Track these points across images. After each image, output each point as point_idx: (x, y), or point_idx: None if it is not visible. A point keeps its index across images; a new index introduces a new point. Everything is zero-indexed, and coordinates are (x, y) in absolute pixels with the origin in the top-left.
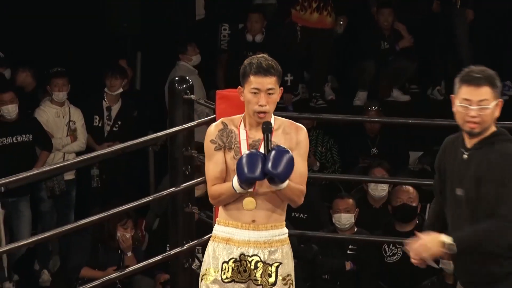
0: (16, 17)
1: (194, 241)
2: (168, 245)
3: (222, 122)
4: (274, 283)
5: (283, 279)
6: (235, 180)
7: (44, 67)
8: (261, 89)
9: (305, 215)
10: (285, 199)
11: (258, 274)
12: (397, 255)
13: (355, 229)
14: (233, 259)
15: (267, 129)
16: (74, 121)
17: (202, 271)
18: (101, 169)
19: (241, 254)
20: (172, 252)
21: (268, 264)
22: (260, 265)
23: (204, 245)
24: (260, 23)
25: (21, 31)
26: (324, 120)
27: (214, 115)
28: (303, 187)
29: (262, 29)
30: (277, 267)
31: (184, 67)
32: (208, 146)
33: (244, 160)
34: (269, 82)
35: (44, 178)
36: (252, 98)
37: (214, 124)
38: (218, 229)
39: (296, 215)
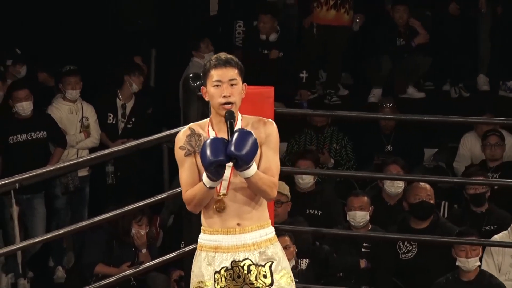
0: (31, 15)
1: None
2: (182, 242)
3: (189, 128)
4: (271, 283)
5: (280, 276)
6: (204, 175)
7: (58, 64)
8: (223, 81)
9: (320, 212)
10: (256, 191)
11: (252, 278)
12: (412, 252)
13: (370, 226)
14: (224, 268)
15: (230, 116)
16: (87, 117)
17: (194, 284)
18: (116, 166)
19: (232, 261)
20: (186, 249)
21: (261, 265)
22: (253, 268)
23: None
24: (269, 24)
25: (36, 29)
26: (338, 117)
27: None
28: (274, 179)
29: (277, 27)
30: (270, 266)
31: (197, 63)
32: (178, 153)
33: (206, 145)
34: (231, 73)
35: (58, 175)
36: (216, 91)
37: (181, 131)
38: (205, 238)
39: (311, 212)
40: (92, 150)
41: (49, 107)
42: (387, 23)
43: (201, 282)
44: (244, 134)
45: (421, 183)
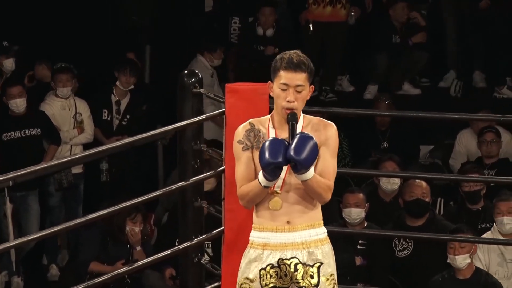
0: (26, 10)
1: (203, 236)
2: (177, 239)
3: (250, 123)
4: (317, 284)
5: (326, 279)
6: (260, 173)
7: (53, 60)
8: (290, 85)
9: None
10: (311, 193)
11: (299, 277)
12: (408, 250)
13: (365, 223)
14: (270, 265)
15: (292, 118)
16: (80, 113)
17: (240, 279)
18: (110, 163)
19: (279, 259)
20: (181, 246)
21: (309, 265)
22: (300, 267)
23: (213, 240)
24: (273, 17)
25: (29, 24)
26: (334, 114)
27: (223, 109)
28: (330, 182)
29: (273, 23)
30: (318, 268)
31: (201, 63)
32: (235, 147)
33: (266, 145)
34: (299, 78)
35: (52, 172)
36: (281, 94)
37: (241, 125)
38: (254, 235)
39: None
40: (86, 147)
41: (41, 104)
42: (383, 19)
43: (247, 278)
44: (305, 139)
45: (417, 181)
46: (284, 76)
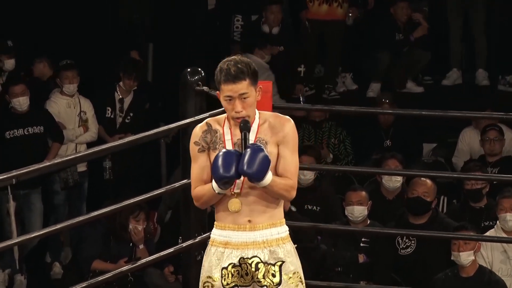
0: (29, 8)
1: (206, 234)
2: (180, 237)
3: (207, 123)
4: (279, 283)
5: (289, 277)
6: (213, 182)
7: (55, 58)
8: (233, 96)
9: (318, 208)
10: (273, 195)
11: (260, 275)
12: (411, 248)
13: (368, 221)
14: (231, 264)
15: (244, 127)
16: (85, 111)
17: (203, 278)
18: (113, 161)
19: (240, 258)
20: (184, 244)
21: (271, 264)
22: (261, 266)
23: None
24: (280, 14)
25: (32, 21)
26: (336, 112)
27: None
28: (292, 181)
29: (280, 22)
30: (280, 266)
31: (256, 61)
32: (192, 148)
33: (219, 159)
34: (240, 87)
35: (55, 170)
36: (228, 105)
37: (199, 125)
38: (216, 233)
39: (309, 207)
40: (90, 145)
41: (47, 102)
42: (385, 17)
43: (209, 277)
44: (255, 151)
45: (421, 179)
46: (225, 89)
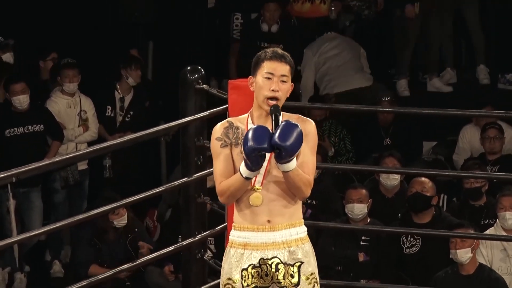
0: (27, 6)
1: (207, 232)
2: (180, 236)
3: (227, 121)
4: (298, 283)
5: (307, 278)
6: (242, 165)
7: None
8: (275, 74)
9: (316, 202)
10: (292, 187)
11: (280, 276)
12: (416, 247)
13: (368, 219)
14: (251, 265)
15: (275, 110)
16: (85, 110)
17: (223, 280)
18: (113, 160)
19: (260, 259)
20: (184, 242)
21: (290, 264)
22: (281, 266)
23: (216, 236)
24: (278, 12)
25: (32, 21)
26: (336, 111)
27: (226, 105)
28: (310, 178)
29: (278, 19)
30: (299, 267)
31: None
32: (214, 144)
33: (250, 132)
34: (283, 69)
35: (55, 168)
36: (265, 83)
37: (219, 123)
38: (235, 234)
39: (308, 201)
40: (90, 143)
41: (47, 101)
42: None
43: (230, 279)
44: (290, 126)
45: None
46: (268, 66)
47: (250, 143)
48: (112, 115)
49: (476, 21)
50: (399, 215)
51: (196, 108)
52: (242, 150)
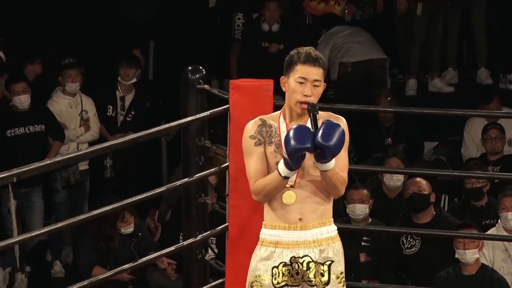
0: (28, 6)
1: (208, 232)
2: (181, 236)
3: (260, 119)
4: (328, 282)
5: (337, 277)
6: (281, 164)
7: (56, 56)
8: (308, 79)
9: None
10: (328, 186)
11: (311, 275)
12: (416, 247)
13: (369, 220)
14: (282, 263)
15: (313, 109)
16: (87, 110)
17: (251, 277)
18: (114, 160)
19: (291, 257)
20: (185, 243)
21: (320, 263)
22: (312, 265)
23: (217, 236)
24: (278, 12)
25: (33, 20)
26: (336, 110)
27: (227, 105)
28: (345, 175)
29: (278, 19)
30: (329, 266)
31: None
32: (247, 142)
33: (292, 132)
34: (316, 73)
35: (56, 168)
36: (298, 87)
37: (251, 121)
38: (265, 233)
39: None
40: (91, 143)
41: (48, 101)
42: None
43: (258, 276)
44: (332, 125)
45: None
46: (302, 70)
47: (293, 142)
48: (113, 114)
49: (482, 22)
50: (401, 215)
51: (197, 108)
52: (284, 150)
